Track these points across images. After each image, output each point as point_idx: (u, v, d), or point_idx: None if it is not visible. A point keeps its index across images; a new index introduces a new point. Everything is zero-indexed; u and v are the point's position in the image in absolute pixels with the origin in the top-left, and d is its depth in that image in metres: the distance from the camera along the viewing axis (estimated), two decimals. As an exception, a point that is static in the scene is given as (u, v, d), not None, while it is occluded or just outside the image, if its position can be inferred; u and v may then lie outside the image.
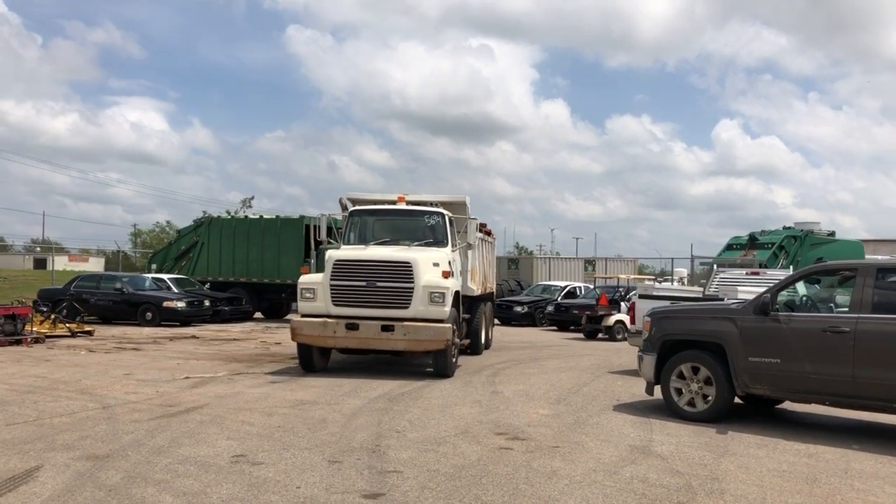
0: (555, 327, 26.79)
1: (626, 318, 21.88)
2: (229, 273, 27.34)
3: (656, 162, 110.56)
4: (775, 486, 6.06)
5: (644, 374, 9.44)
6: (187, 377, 11.58)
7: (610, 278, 26.48)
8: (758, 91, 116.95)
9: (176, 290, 24.49)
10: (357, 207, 14.07)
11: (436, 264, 12.45)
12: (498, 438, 7.62)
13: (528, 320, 27.45)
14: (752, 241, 30.40)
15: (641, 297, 13.37)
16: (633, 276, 25.68)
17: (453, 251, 13.53)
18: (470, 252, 14.65)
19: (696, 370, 8.86)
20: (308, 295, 12.22)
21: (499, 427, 8.19)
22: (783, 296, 8.62)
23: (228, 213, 43.71)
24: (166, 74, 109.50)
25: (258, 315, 27.92)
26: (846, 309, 8.13)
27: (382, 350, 12.43)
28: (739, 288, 12.47)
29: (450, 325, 12.04)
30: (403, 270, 11.96)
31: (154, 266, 28.92)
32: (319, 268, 25.71)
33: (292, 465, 6.40)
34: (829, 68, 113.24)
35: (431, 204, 14.29)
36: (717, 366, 8.66)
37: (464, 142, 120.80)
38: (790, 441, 7.80)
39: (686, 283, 24.16)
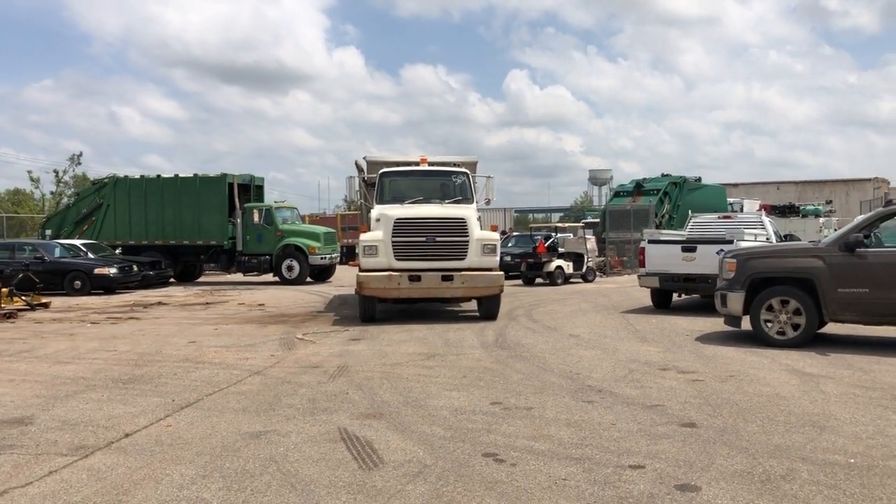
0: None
1: (564, 263, 23.40)
2: (142, 236, 25.99)
3: (453, 113, 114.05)
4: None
5: (731, 310, 10.63)
6: (302, 338, 11.45)
7: (540, 227, 27.90)
8: (542, 43, 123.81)
9: (93, 257, 23.00)
10: (388, 169, 15.17)
11: (479, 219, 14.00)
12: (677, 374, 8.49)
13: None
14: (639, 188, 32.98)
15: (651, 241, 14.63)
16: (558, 225, 27.23)
17: (478, 207, 14.92)
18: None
19: (784, 303, 10.18)
20: (370, 251, 13.13)
21: (651, 364, 9.06)
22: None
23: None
24: None
25: (171, 280, 26.75)
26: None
27: (441, 298, 13.75)
28: (746, 231, 14.11)
29: (502, 272, 13.56)
30: (459, 226, 13.25)
31: (49, 232, 26.73)
32: (245, 226, 25.27)
33: (608, 421, 6.93)
34: (606, 22, 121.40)
35: (454, 164, 15.61)
36: (807, 298, 10.02)
37: (257, 90, 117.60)
38: None
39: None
